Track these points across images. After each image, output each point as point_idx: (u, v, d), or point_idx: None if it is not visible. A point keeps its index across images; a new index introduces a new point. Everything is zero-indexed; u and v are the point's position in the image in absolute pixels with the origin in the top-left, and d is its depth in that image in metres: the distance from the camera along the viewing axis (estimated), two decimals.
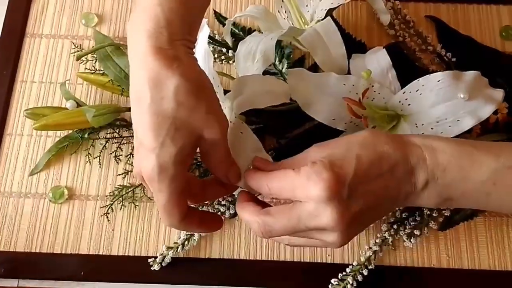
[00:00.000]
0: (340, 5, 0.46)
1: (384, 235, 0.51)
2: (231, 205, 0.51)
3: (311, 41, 0.46)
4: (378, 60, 0.45)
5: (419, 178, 0.36)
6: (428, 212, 0.51)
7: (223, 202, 0.51)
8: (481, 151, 0.36)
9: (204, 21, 0.45)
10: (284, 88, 0.44)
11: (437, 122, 0.43)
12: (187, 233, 0.50)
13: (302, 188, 0.34)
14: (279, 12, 0.53)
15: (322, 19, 0.47)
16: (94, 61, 0.55)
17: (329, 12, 0.48)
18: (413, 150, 0.36)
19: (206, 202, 0.51)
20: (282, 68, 0.57)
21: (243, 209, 0.38)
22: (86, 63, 0.56)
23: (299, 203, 0.34)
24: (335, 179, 0.33)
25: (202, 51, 0.43)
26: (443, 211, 0.51)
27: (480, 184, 0.36)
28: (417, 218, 0.51)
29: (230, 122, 0.43)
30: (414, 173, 0.35)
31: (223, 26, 0.58)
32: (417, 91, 0.44)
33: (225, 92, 0.43)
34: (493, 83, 0.54)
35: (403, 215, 0.51)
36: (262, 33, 0.53)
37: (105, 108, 0.50)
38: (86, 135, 0.53)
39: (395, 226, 0.51)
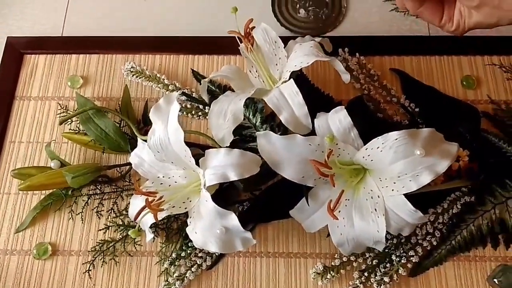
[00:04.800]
0: (304, 66, 0.47)
1: (355, 282, 0.50)
2: (207, 257, 0.51)
3: (276, 102, 0.47)
4: (340, 120, 0.45)
5: None
6: (398, 259, 0.50)
7: (199, 254, 0.51)
8: None
9: (174, 95, 0.45)
10: (253, 159, 0.44)
11: (398, 177, 0.43)
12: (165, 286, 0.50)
13: None
14: (250, 71, 0.54)
15: (287, 81, 0.48)
16: (78, 122, 0.56)
17: (293, 74, 0.49)
18: None
19: (183, 255, 0.51)
20: (256, 122, 0.58)
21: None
22: (70, 123, 0.57)
23: None
24: None
25: (173, 126, 0.44)
26: (411, 258, 0.50)
27: None
28: (387, 265, 0.50)
29: (202, 188, 0.43)
30: None
31: (200, 84, 0.59)
32: (377, 148, 0.44)
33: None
34: (454, 131, 0.55)
35: (374, 262, 0.51)
36: (234, 91, 0.54)
37: (86, 168, 0.50)
38: (69, 193, 0.53)
39: (366, 274, 0.50)
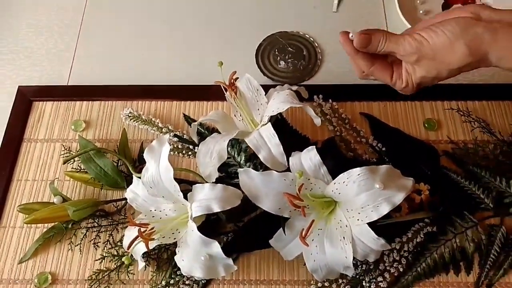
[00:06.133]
0: (281, 111, 0.53)
1: None
2: (194, 284, 0.55)
3: (255, 143, 0.53)
4: (311, 158, 0.51)
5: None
6: (368, 285, 0.54)
7: (187, 282, 0.55)
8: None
9: (166, 137, 0.51)
10: (234, 193, 0.49)
11: (362, 208, 0.49)
12: None
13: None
14: (235, 115, 0.61)
15: (266, 124, 0.54)
16: (79, 161, 0.62)
17: (273, 118, 0.55)
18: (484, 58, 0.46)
19: (172, 283, 0.55)
20: (240, 160, 0.63)
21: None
22: (72, 163, 0.62)
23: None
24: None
25: (164, 164, 0.50)
26: (380, 283, 0.54)
27: None
28: None
29: (189, 219, 0.48)
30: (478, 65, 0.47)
31: (191, 127, 0.65)
32: (343, 182, 0.49)
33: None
34: (417, 168, 0.60)
35: None
36: (220, 133, 0.60)
37: (86, 203, 0.55)
38: (69, 226, 0.58)
39: None
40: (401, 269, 0.55)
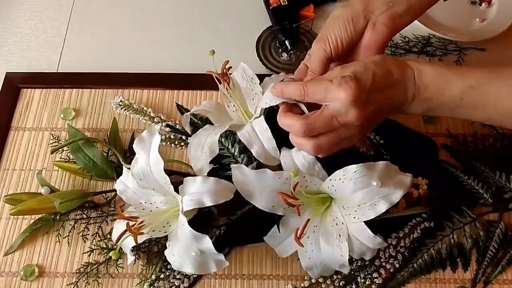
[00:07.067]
0: (273, 105, 0.51)
1: None
2: (185, 279, 0.54)
3: (247, 137, 0.51)
4: (304, 156, 0.49)
5: (409, 93, 0.45)
6: (363, 281, 0.53)
7: (178, 276, 0.54)
8: (454, 74, 0.45)
9: (156, 128, 0.49)
10: (227, 187, 0.47)
11: (359, 206, 0.47)
12: None
13: (334, 92, 0.43)
14: (228, 106, 0.58)
15: (258, 117, 0.52)
16: (68, 151, 0.60)
17: (265, 110, 0.53)
18: (408, 70, 0.45)
19: (162, 277, 0.53)
20: (234, 152, 0.61)
21: (286, 117, 0.46)
22: (61, 153, 0.60)
23: (328, 106, 0.44)
24: (359, 87, 0.43)
25: (154, 156, 0.48)
26: (376, 280, 0.53)
27: (451, 99, 0.45)
28: (353, 287, 0.53)
29: (180, 213, 0.46)
30: (407, 88, 0.45)
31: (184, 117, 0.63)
32: (339, 179, 0.47)
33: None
34: (415, 161, 0.58)
35: (341, 284, 0.53)
36: (213, 124, 0.57)
37: (73, 194, 0.53)
38: (57, 217, 0.56)
39: None
40: (397, 265, 0.54)
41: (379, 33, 0.50)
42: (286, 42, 0.70)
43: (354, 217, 0.48)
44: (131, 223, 0.47)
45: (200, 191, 0.47)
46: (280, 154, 0.50)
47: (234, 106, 0.58)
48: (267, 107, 0.51)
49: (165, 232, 0.51)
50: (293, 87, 0.46)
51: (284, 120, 0.46)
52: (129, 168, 0.52)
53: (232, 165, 0.49)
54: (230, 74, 0.55)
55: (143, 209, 0.52)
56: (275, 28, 0.71)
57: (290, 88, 0.47)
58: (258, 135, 0.50)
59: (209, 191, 0.46)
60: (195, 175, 0.50)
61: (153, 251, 0.55)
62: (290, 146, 0.51)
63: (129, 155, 0.61)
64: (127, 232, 0.47)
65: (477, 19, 0.72)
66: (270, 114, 0.52)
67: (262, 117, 0.51)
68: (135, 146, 0.50)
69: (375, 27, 0.49)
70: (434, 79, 0.45)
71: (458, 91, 0.44)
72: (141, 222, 0.49)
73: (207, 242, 0.46)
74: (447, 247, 0.55)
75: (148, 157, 0.48)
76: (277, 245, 0.52)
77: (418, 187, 0.56)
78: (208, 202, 0.46)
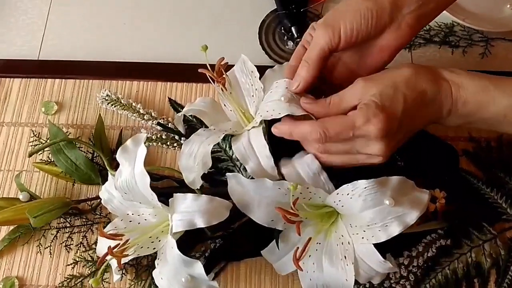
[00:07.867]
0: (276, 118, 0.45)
1: None
2: None
3: (243, 152, 0.45)
4: (308, 164, 0.43)
5: (444, 109, 0.41)
6: None
7: None
8: (497, 89, 0.40)
9: (142, 137, 0.43)
10: (222, 205, 0.42)
11: (368, 226, 0.42)
12: None
13: (361, 129, 0.39)
14: (225, 105, 0.52)
15: (258, 126, 0.46)
16: (49, 152, 0.54)
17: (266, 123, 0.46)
18: (443, 85, 0.41)
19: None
20: (232, 155, 0.56)
21: (297, 125, 0.42)
22: (42, 153, 0.54)
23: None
24: (388, 119, 0.39)
25: (139, 170, 0.42)
26: None
27: (492, 115, 0.41)
28: None
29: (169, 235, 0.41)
30: (442, 106, 0.41)
31: (177, 113, 0.57)
32: (347, 195, 0.42)
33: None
34: (432, 170, 0.53)
35: None
36: (207, 127, 0.51)
37: (53, 205, 0.48)
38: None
39: None
40: (408, 287, 0.49)
41: (402, 36, 0.43)
42: (293, 28, 0.62)
43: (363, 237, 0.43)
44: (113, 244, 0.42)
45: (191, 210, 0.42)
46: (281, 168, 0.44)
47: (231, 107, 0.52)
48: (268, 119, 0.44)
49: (154, 248, 0.46)
50: (307, 129, 0.41)
51: (296, 129, 0.42)
52: (114, 175, 0.47)
53: (227, 174, 0.44)
54: (227, 72, 0.48)
55: (130, 221, 0.48)
56: (280, 12, 0.63)
57: (302, 129, 0.41)
58: (254, 151, 0.44)
59: (201, 211, 0.41)
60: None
61: (142, 264, 0.51)
62: (290, 155, 0.45)
63: None
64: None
65: (508, 6, 0.64)
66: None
67: (261, 129, 0.45)
68: (118, 157, 0.44)
69: (399, 29, 0.42)
70: (474, 94, 0.40)
71: (502, 108, 0.40)
72: (126, 241, 0.44)
73: (198, 268, 0.41)
74: (463, 267, 0.50)
75: (133, 169, 0.43)
76: (276, 261, 0.48)
77: (435, 200, 0.50)
78: (200, 223, 0.41)
